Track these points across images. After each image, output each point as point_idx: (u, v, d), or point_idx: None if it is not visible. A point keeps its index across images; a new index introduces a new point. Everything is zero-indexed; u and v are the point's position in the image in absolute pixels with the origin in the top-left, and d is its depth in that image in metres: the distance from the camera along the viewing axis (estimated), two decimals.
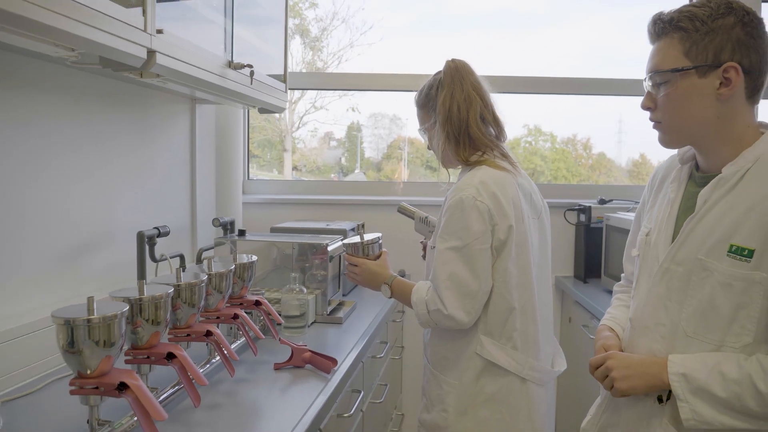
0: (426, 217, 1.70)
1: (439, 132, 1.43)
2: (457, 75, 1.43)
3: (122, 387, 0.89)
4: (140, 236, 1.60)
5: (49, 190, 1.40)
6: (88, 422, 0.92)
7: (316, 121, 3.76)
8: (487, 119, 1.45)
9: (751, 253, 0.97)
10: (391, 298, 1.49)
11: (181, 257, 1.79)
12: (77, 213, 1.50)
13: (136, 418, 1.00)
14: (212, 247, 1.95)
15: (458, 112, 1.42)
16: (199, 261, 1.88)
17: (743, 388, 0.95)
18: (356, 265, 1.53)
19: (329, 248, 1.88)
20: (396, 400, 2.36)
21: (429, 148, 1.54)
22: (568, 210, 2.64)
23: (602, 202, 2.58)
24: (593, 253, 2.49)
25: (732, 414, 0.96)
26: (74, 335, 0.87)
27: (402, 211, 1.77)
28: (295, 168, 3.77)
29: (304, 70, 3.36)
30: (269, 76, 1.94)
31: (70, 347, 0.88)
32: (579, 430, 1.26)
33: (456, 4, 3.19)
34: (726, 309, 0.99)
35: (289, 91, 2.21)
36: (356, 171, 3.72)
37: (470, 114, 1.41)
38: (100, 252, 1.60)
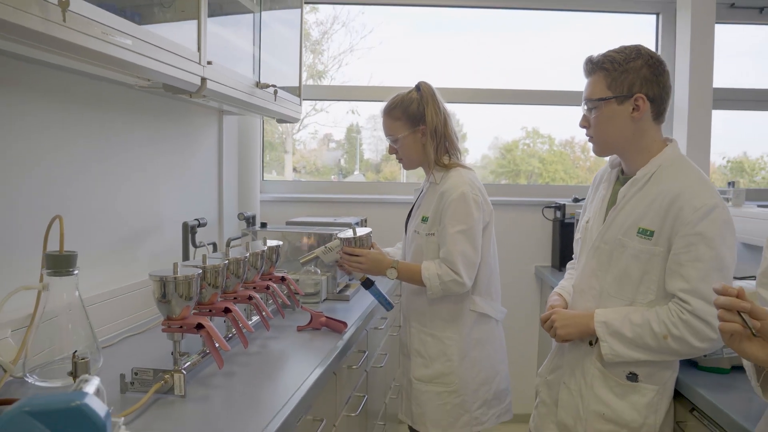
0: (326, 246, 1.93)
1: (423, 140, 1.82)
2: (434, 95, 1.83)
3: (199, 327, 1.26)
4: (185, 226, 1.98)
5: (111, 186, 1.76)
6: (171, 354, 1.29)
7: (317, 124, 3.92)
8: (454, 130, 1.85)
9: (652, 233, 1.35)
10: (396, 279, 1.86)
11: (214, 245, 2.17)
12: (132, 206, 1.86)
13: (202, 356, 1.37)
14: (239, 237, 2.32)
15: (442, 124, 1.82)
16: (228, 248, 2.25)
17: (644, 330, 1.33)
18: (359, 255, 1.88)
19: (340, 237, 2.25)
20: (394, 372, 2.73)
21: (391, 152, 1.91)
22: (546, 207, 3.03)
23: (576, 200, 2.95)
24: (567, 244, 2.87)
25: (637, 349, 1.35)
26: (166, 289, 1.24)
27: (306, 263, 1.99)
28: (294, 169, 3.91)
29: (305, 74, 3.68)
30: (285, 90, 2.32)
31: (163, 298, 1.25)
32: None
33: (452, 9, 3.39)
34: (636, 275, 1.37)
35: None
36: (355, 172, 3.85)
37: (447, 126, 1.81)
38: (149, 238, 1.97)
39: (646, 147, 1.42)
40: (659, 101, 1.40)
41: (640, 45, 1.41)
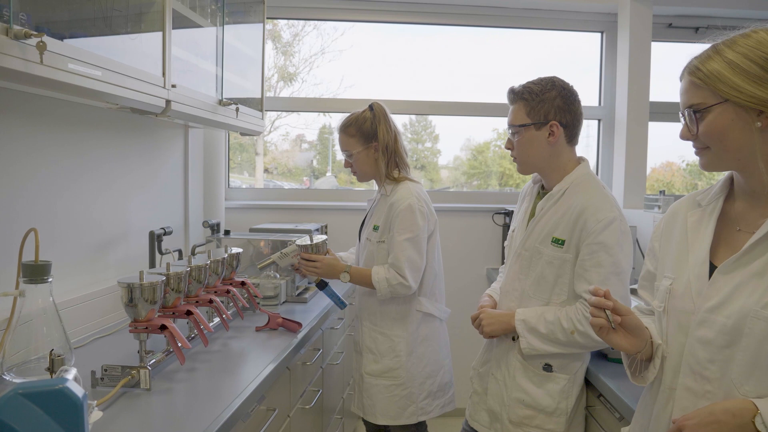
0: (282, 252, 2.14)
1: (375, 155, 2.01)
2: (385, 114, 2.03)
3: (163, 328, 1.43)
4: (152, 235, 2.13)
5: (84, 199, 1.91)
6: (138, 352, 1.45)
7: (288, 126, 3.97)
8: (404, 147, 2.05)
9: (563, 242, 1.57)
10: (349, 282, 2.05)
11: (180, 252, 2.33)
12: (103, 217, 2.02)
13: (166, 354, 1.53)
14: (204, 244, 2.47)
15: (393, 141, 2.01)
16: (193, 255, 2.41)
17: (555, 326, 1.54)
18: (315, 261, 2.07)
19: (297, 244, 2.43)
20: (352, 369, 2.91)
21: (347, 166, 2.11)
22: (496, 213, 3.25)
23: None
24: None
25: (550, 343, 1.56)
26: (132, 294, 1.41)
27: (264, 267, 2.20)
28: (266, 170, 3.96)
29: (275, 76, 3.70)
30: (248, 102, 2.48)
31: (130, 302, 1.41)
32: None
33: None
34: (551, 278, 1.59)
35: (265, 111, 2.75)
36: (328, 174, 3.91)
37: (397, 143, 2.01)
38: (118, 246, 2.12)
39: (562, 166, 1.64)
40: (571, 127, 1.61)
41: (555, 77, 1.62)
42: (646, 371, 1.17)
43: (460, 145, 3.84)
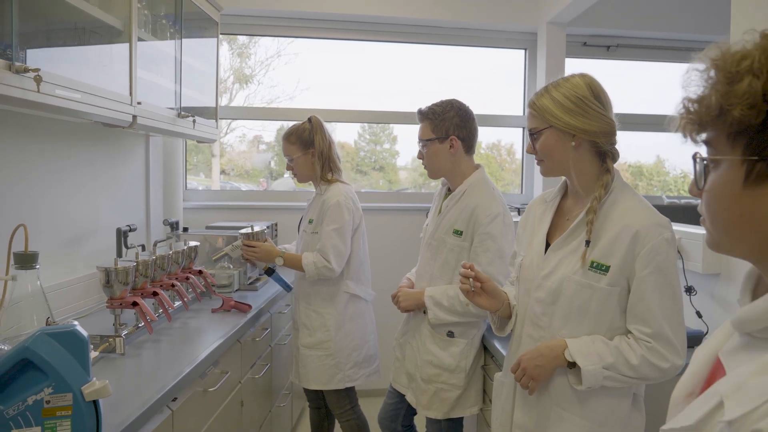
0: (233, 245, 2.56)
1: (312, 160, 2.39)
2: (321, 126, 2.42)
3: (134, 304, 1.78)
4: (118, 231, 2.46)
5: (61, 200, 2.23)
6: (113, 325, 1.80)
7: (244, 127, 4.10)
8: (336, 153, 2.44)
9: (461, 233, 1.99)
10: (283, 265, 2.43)
11: (143, 246, 2.66)
12: (76, 214, 2.34)
13: (136, 327, 1.88)
14: (164, 240, 2.80)
15: (327, 149, 2.40)
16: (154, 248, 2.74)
17: (455, 300, 1.96)
18: (254, 247, 2.45)
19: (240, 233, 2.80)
20: None
21: (288, 169, 2.50)
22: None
23: None
24: None
25: (451, 314, 1.98)
26: (109, 276, 1.76)
27: (218, 259, 2.62)
28: (223, 172, 4.09)
29: (231, 77, 3.87)
30: (204, 111, 2.83)
31: (107, 283, 1.76)
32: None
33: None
34: (452, 263, 2.01)
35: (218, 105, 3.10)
36: (285, 175, 4.00)
37: (332, 150, 2.40)
38: (90, 241, 2.44)
39: (462, 172, 2.06)
40: (468, 140, 2.04)
41: (453, 99, 2.05)
42: (506, 325, 1.60)
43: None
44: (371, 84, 3.96)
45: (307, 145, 2.43)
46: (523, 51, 3.99)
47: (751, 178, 0.64)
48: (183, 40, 2.59)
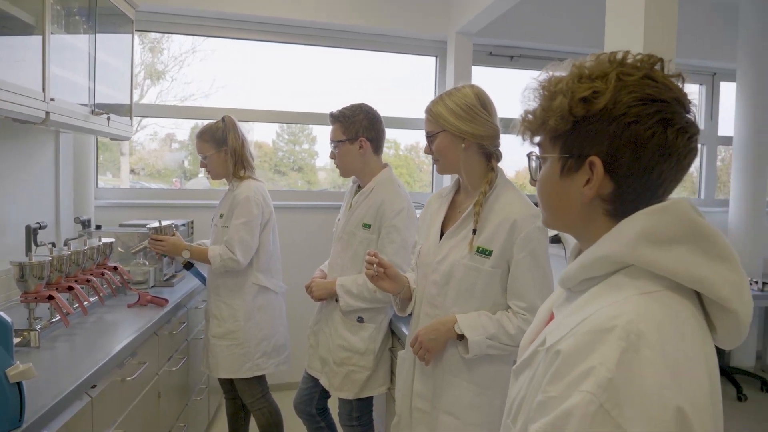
0: (149, 238, 2.66)
1: (225, 158, 2.50)
2: (234, 125, 2.54)
3: (50, 298, 1.83)
4: (28, 228, 2.46)
5: None
6: (27, 319, 1.85)
7: (156, 125, 4.01)
8: (249, 151, 2.56)
9: (370, 226, 2.18)
10: (189, 258, 2.52)
11: (53, 244, 2.66)
12: None
13: (51, 321, 1.93)
14: (76, 238, 2.81)
15: (240, 147, 2.52)
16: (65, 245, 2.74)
17: (363, 288, 2.15)
18: (162, 240, 2.54)
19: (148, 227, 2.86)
20: None
21: (202, 166, 2.60)
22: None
23: None
24: None
25: (360, 301, 2.17)
26: (23, 271, 1.80)
27: (136, 252, 2.72)
28: (132, 171, 3.98)
29: (142, 73, 3.79)
30: (118, 108, 2.86)
31: (21, 278, 1.80)
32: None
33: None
34: (362, 254, 2.19)
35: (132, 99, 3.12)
36: (200, 175, 4.01)
37: (244, 148, 2.52)
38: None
39: (371, 170, 2.26)
40: (376, 141, 2.24)
41: (362, 104, 2.24)
42: (407, 306, 1.80)
43: None
44: (290, 85, 4.05)
45: (220, 143, 2.54)
46: (434, 58, 4.26)
47: (564, 170, 0.86)
48: (97, 36, 2.62)
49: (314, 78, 4.11)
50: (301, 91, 4.08)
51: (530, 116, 0.90)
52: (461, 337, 1.59)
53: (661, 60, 0.86)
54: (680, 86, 0.85)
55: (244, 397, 2.62)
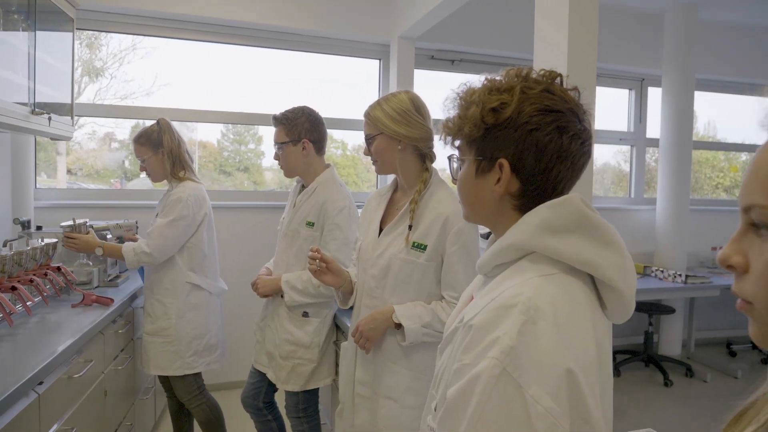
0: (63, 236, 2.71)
1: (163, 159, 2.55)
2: (170, 127, 2.60)
3: None
4: None
5: None
6: None
7: (95, 124, 3.92)
8: (186, 151, 2.62)
9: (313, 224, 2.29)
10: (102, 255, 2.56)
11: None
12: None
13: None
14: (16, 239, 2.79)
15: (176, 147, 2.57)
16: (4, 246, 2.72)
17: (307, 284, 2.25)
18: (75, 238, 2.58)
19: (61, 225, 2.88)
20: None
21: (142, 170, 2.65)
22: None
23: None
24: None
25: (304, 296, 2.27)
26: None
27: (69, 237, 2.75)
28: (70, 172, 3.89)
29: (80, 69, 3.73)
30: (59, 107, 2.85)
31: None
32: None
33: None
34: (306, 251, 2.29)
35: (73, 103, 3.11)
36: (142, 175, 4.13)
37: (181, 149, 2.58)
38: None
39: (314, 171, 2.36)
40: (318, 142, 2.35)
41: (305, 106, 2.34)
42: (348, 299, 1.92)
43: None
44: (236, 85, 4.08)
45: (157, 145, 2.59)
46: (378, 61, 4.39)
47: (479, 171, 1.00)
48: (37, 34, 2.62)
49: (261, 79, 4.16)
50: (248, 91, 4.12)
51: (450, 123, 1.04)
52: (399, 326, 1.72)
53: (560, 75, 1.01)
54: (576, 98, 1.00)
55: (180, 395, 2.66)
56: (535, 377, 0.80)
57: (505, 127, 0.96)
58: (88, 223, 2.75)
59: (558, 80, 1.00)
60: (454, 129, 1.03)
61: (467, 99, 1.01)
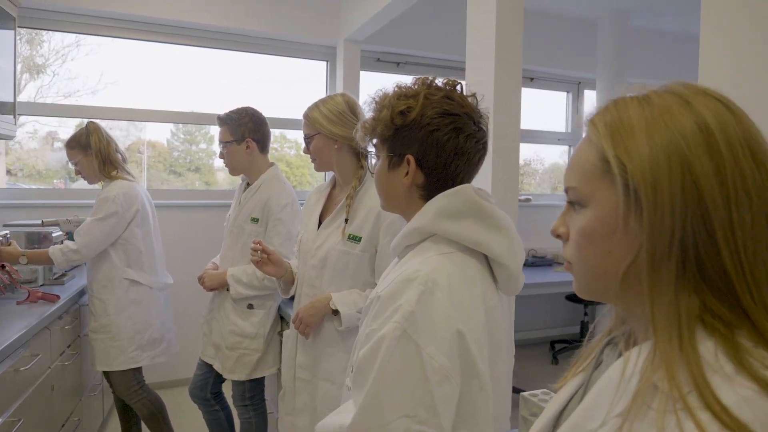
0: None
1: (93, 160, 2.62)
2: (98, 129, 2.66)
3: None
4: None
5: None
6: None
7: (37, 123, 3.84)
8: (118, 151, 2.69)
9: (258, 220, 2.41)
10: (27, 264, 2.60)
11: None
12: None
13: None
14: None
15: (105, 147, 2.63)
16: None
17: (252, 277, 2.37)
18: None
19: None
20: None
21: (76, 174, 2.71)
22: None
23: None
24: None
25: (249, 289, 2.39)
26: None
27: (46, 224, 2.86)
28: (9, 172, 3.79)
29: (19, 67, 3.57)
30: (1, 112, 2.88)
31: None
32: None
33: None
34: (249, 245, 2.40)
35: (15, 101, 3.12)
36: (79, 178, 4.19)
37: (110, 148, 2.64)
38: None
39: (258, 169, 2.48)
40: (262, 141, 2.47)
41: (248, 107, 2.46)
42: (290, 289, 2.05)
43: None
44: (185, 85, 4.12)
45: (86, 147, 2.65)
46: (325, 63, 4.52)
47: (390, 166, 1.16)
48: None
49: (210, 79, 4.21)
50: (197, 91, 4.16)
51: (366, 124, 1.19)
52: (336, 312, 1.86)
53: (461, 83, 1.17)
54: (474, 104, 1.17)
55: (119, 392, 2.72)
56: (431, 338, 0.96)
57: (411, 127, 1.12)
58: (8, 235, 2.71)
59: (459, 87, 1.16)
60: (369, 129, 1.18)
61: (381, 103, 1.17)
